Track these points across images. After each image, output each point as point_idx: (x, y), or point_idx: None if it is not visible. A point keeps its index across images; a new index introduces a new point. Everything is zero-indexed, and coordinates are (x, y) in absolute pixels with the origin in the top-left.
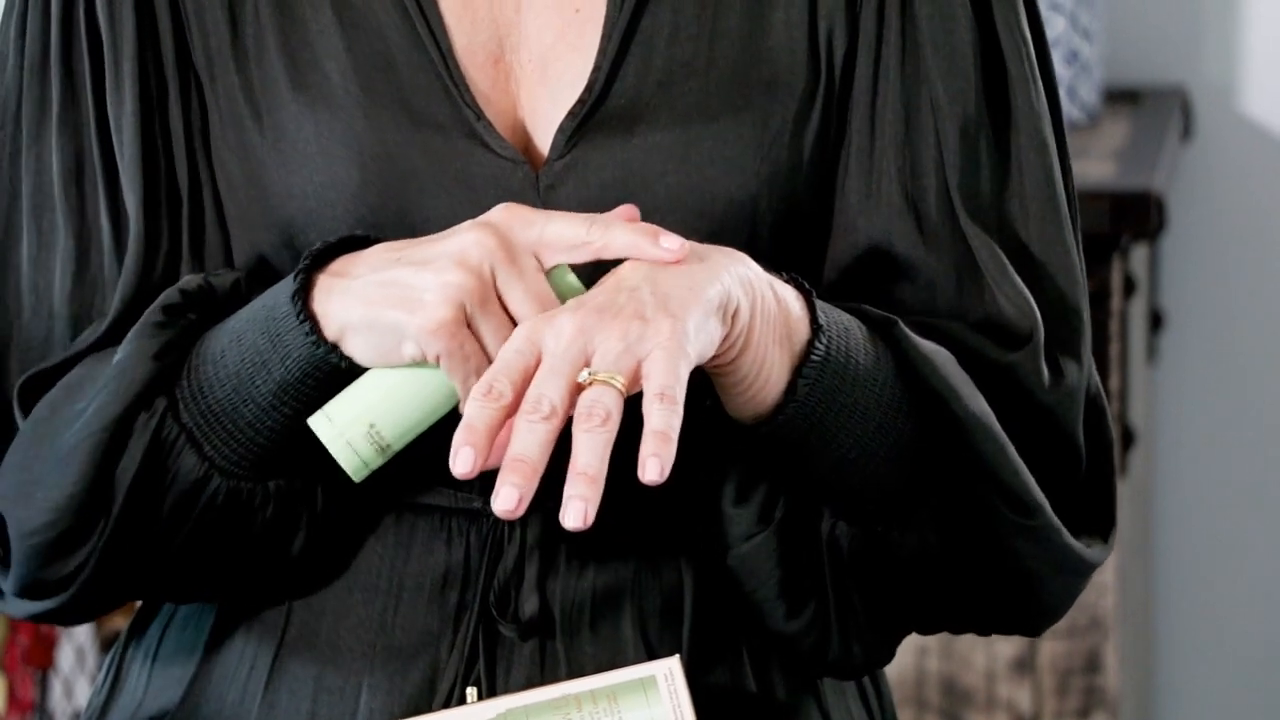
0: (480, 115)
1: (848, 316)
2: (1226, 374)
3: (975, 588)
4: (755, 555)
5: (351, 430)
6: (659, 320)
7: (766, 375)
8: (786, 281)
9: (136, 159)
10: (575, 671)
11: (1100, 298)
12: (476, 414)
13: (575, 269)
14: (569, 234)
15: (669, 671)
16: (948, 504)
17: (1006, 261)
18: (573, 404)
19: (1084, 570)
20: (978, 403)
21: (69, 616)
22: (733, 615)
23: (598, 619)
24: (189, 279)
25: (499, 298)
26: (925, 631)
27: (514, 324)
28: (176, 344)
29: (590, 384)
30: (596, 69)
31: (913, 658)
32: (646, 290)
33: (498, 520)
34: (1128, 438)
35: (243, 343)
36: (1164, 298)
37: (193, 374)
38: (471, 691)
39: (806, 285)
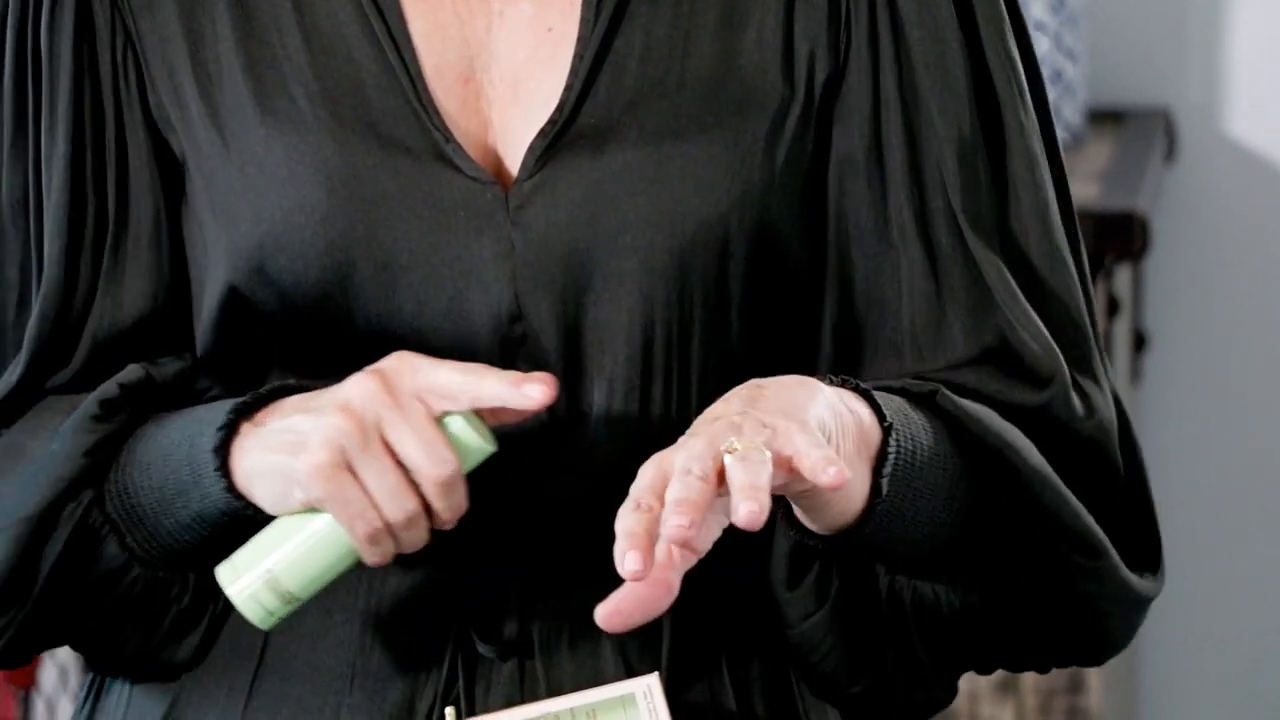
0: (449, 137)
1: (899, 400)
2: (1211, 395)
3: (1040, 630)
4: (816, 631)
5: (256, 583)
6: (781, 422)
7: (853, 488)
8: (842, 386)
9: (64, 202)
10: (554, 691)
11: None
12: (633, 522)
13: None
14: (445, 382)
15: (648, 689)
16: (1014, 556)
17: (1017, 289)
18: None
19: (1144, 604)
20: (1032, 454)
21: None
22: (713, 635)
23: (577, 639)
24: (130, 370)
25: (384, 442)
26: (984, 672)
27: (402, 469)
28: (109, 440)
29: (733, 450)
30: (568, 88)
31: None
32: (752, 415)
33: (475, 541)
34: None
35: (168, 464)
36: (1148, 318)
37: (120, 472)
38: (450, 711)
39: (861, 385)
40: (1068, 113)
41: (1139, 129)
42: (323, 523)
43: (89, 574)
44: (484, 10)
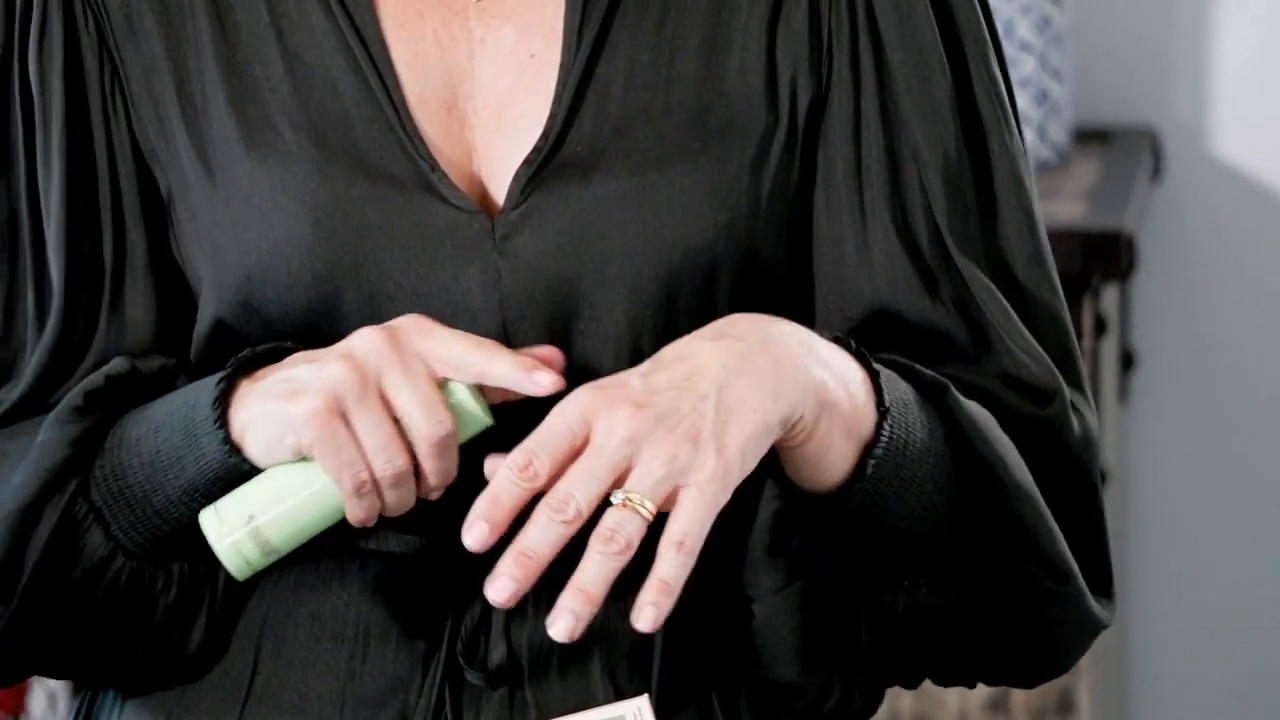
0: (434, 166)
1: (904, 385)
2: (1198, 414)
3: (995, 644)
4: (784, 606)
5: (238, 532)
6: (708, 452)
7: (829, 462)
8: (853, 355)
9: (62, 232)
10: (544, 716)
11: None
12: (506, 489)
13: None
14: (457, 352)
15: (637, 710)
16: (984, 567)
17: (1009, 308)
18: (596, 508)
19: (1098, 631)
20: (1022, 472)
21: None
22: (703, 659)
23: (566, 664)
24: (116, 363)
25: (382, 395)
26: (909, 686)
27: (397, 426)
28: (95, 430)
29: (621, 506)
30: (552, 116)
31: (886, 698)
32: (712, 403)
33: (463, 567)
34: (1099, 477)
35: (159, 435)
36: (1135, 338)
37: (107, 456)
38: None
39: (873, 364)
40: (1054, 132)
41: (1125, 148)
42: (313, 475)
43: (73, 567)
44: (466, 38)
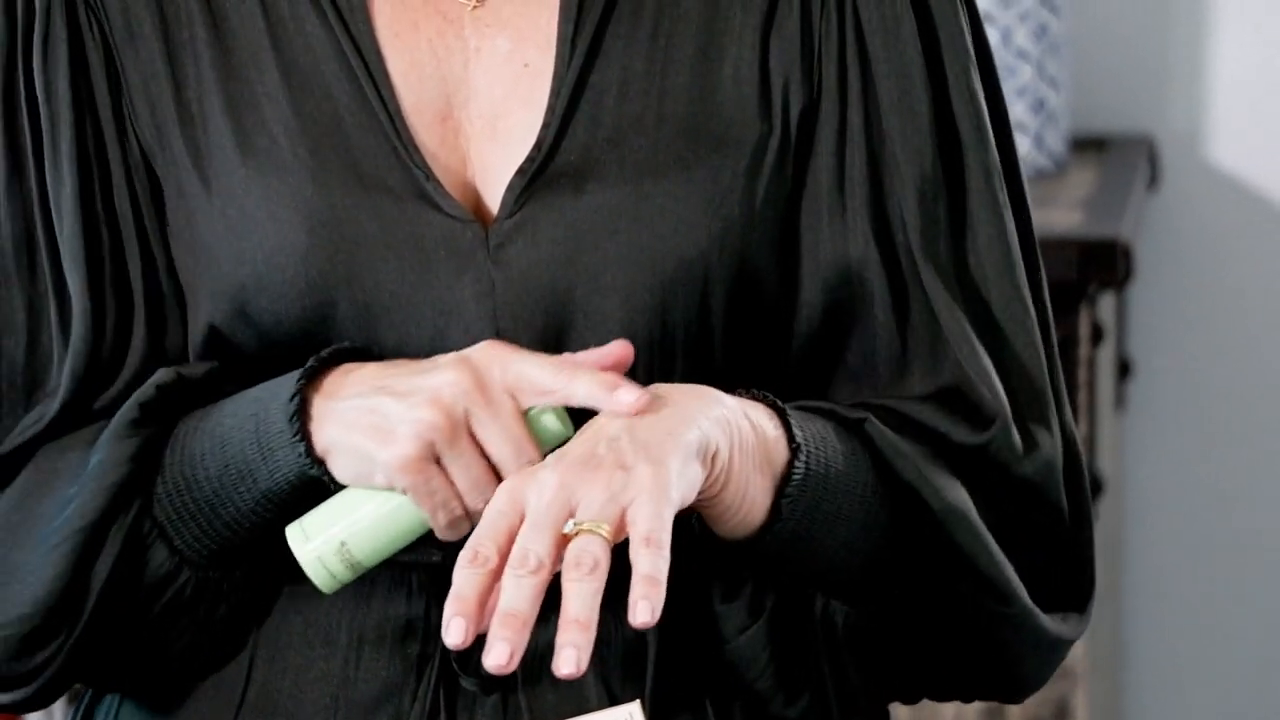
0: (429, 175)
1: (820, 422)
2: (1194, 421)
3: (957, 665)
4: (750, 647)
5: (325, 548)
6: (640, 467)
7: (750, 502)
8: (758, 400)
9: (78, 237)
10: None
11: (1068, 345)
12: (464, 582)
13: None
14: (538, 378)
15: (630, 716)
16: (927, 591)
17: (969, 327)
18: (559, 556)
19: (1060, 648)
20: (953, 493)
21: (29, 707)
22: (696, 665)
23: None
24: (162, 373)
25: (473, 436)
26: (909, 701)
27: (487, 462)
28: (152, 443)
29: (576, 534)
30: (546, 125)
31: None
32: (625, 439)
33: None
34: (1096, 485)
35: (227, 449)
36: (1132, 345)
37: (170, 471)
38: None
39: (779, 403)
40: (1050, 141)
41: (1122, 156)
42: (401, 501)
43: (139, 584)
44: (460, 47)
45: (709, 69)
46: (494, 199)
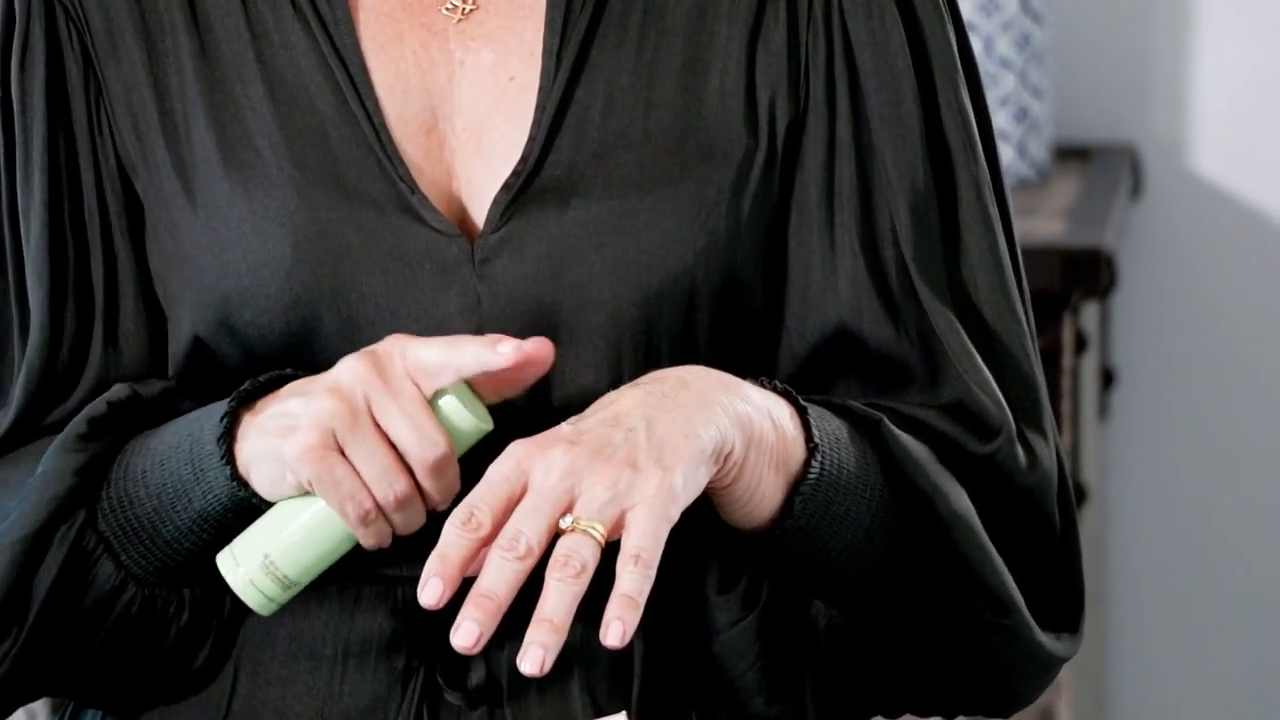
0: (414, 189)
1: (836, 421)
2: (1178, 430)
3: (947, 676)
4: (740, 640)
5: (255, 570)
6: (650, 471)
7: (761, 497)
8: (780, 395)
9: (43, 249)
10: None
11: (1051, 355)
12: (452, 543)
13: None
14: (430, 358)
15: None
16: (926, 598)
17: (967, 340)
18: (548, 543)
19: (1053, 665)
20: (961, 502)
21: None
22: (682, 679)
23: (545, 683)
24: (117, 389)
25: (375, 423)
26: (891, 715)
27: (394, 451)
28: (99, 458)
29: (570, 531)
30: (531, 139)
31: None
32: (643, 433)
33: None
34: (1079, 495)
35: (165, 468)
36: (1115, 355)
37: (114, 487)
38: None
39: (799, 400)
40: (1034, 150)
41: (1105, 166)
42: (319, 507)
43: (84, 598)
44: (445, 60)
45: (695, 83)
46: (479, 213)
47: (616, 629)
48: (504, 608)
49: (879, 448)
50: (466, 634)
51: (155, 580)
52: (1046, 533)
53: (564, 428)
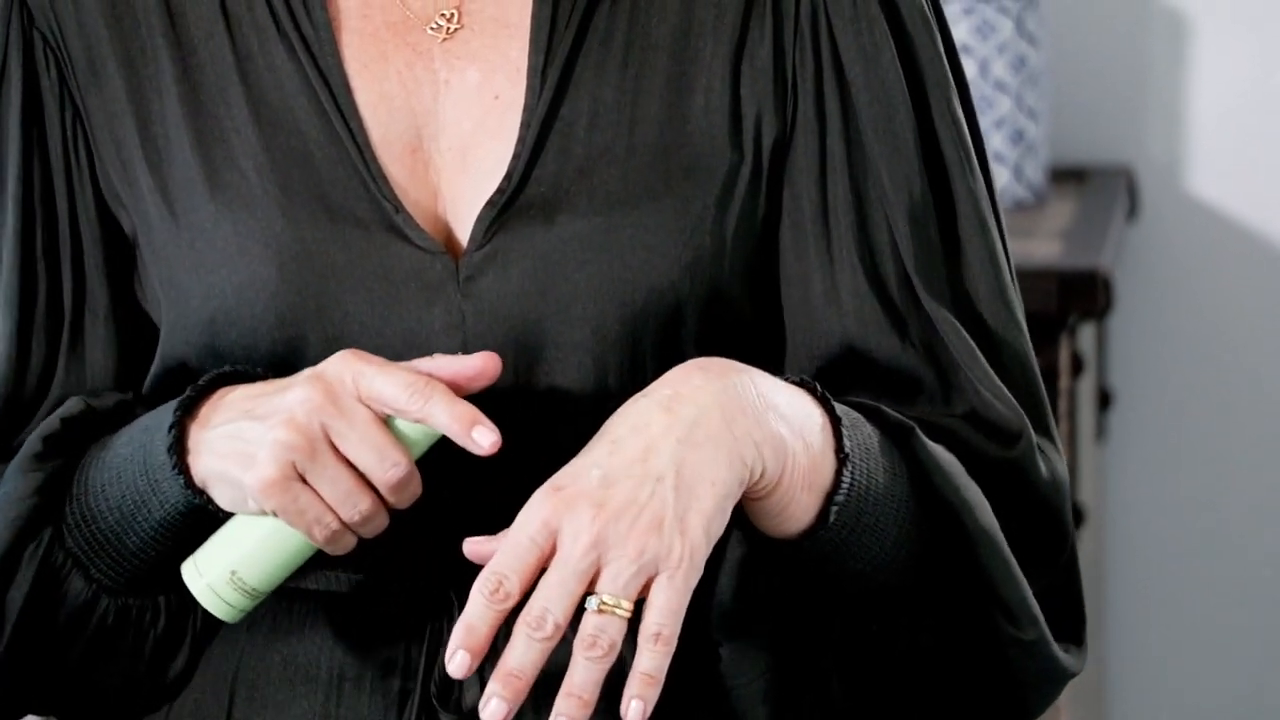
0: (399, 208)
1: (868, 429)
2: (1175, 452)
3: (959, 690)
4: (750, 650)
5: (217, 580)
6: (673, 538)
7: (791, 514)
8: (812, 396)
9: (14, 280)
10: None
11: (1049, 376)
12: (480, 614)
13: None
14: (393, 399)
15: None
16: (947, 611)
17: (975, 349)
18: (573, 614)
19: (1065, 679)
20: (987, 516)
21: None
22: (678, 697)
23: (541, 705)
24: (70, 404)
25: (335, 449)
26: None
27: (355, 472)
28: (58, 475)
29: (598, 611)
30: (516, 157)
31: None
32: (670, 483)
33: (437, 610)
34: (1078, 515)
35: (123, 480)
36: (1112, 376)
37: (76, 503)
38: None
39: (834, 408)
40: (1030, 172)
41: (1101, 187)
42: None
43: (58, 613)
44: (430, 79)
45: (679, 99)
46: (464, 231)
47: (637, 708)
48: (530, 684)
49: (908, 457)
50: (495, 711)
51: (127, 590)
52: (1060, 540)
53: (593, 474)
